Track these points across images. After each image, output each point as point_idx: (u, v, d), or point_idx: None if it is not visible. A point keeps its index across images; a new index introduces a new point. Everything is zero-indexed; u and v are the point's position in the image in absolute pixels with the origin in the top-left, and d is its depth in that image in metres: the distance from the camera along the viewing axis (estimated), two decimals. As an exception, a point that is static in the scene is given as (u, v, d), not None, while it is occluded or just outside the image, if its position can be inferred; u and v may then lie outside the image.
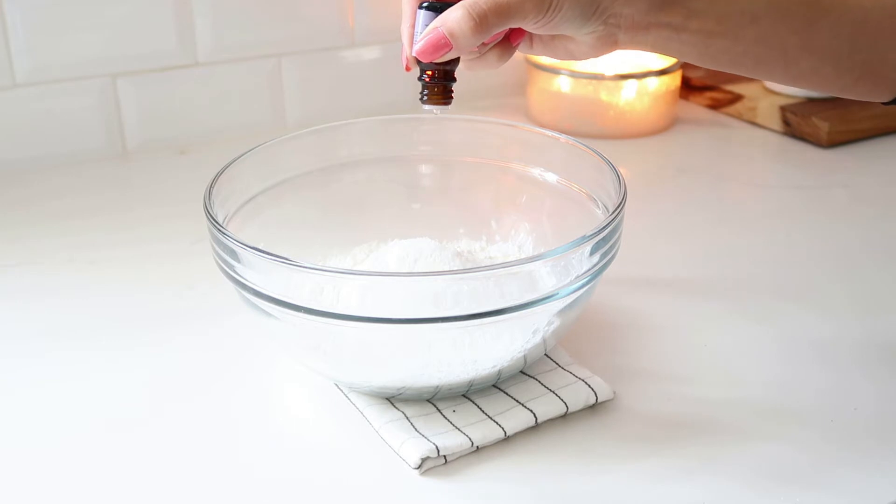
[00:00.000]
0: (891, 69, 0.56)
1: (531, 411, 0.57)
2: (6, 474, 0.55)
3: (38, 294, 0.74)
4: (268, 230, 0.66)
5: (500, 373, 0.58)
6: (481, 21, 0.51)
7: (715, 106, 1.13)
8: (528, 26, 0.53)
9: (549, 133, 0.70)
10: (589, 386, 0.59)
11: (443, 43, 0.53)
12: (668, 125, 1.07)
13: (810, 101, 1.07)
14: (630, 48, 0.55)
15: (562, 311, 0.57)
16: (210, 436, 0.57)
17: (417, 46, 0.54)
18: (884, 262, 0.78)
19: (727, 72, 0.57)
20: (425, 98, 0.57)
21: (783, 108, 1.05)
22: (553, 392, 0.59)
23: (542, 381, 0.60)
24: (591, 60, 1.09)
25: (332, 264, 0.70)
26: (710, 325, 0.69)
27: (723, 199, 0.92)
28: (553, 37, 0.56)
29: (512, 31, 0.55)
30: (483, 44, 0.55)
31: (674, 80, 1.06)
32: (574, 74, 1.04)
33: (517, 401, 0.58)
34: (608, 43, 0.54)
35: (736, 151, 1.03)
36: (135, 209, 0.89)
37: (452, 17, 0.52)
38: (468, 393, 0.59)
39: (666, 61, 1.07)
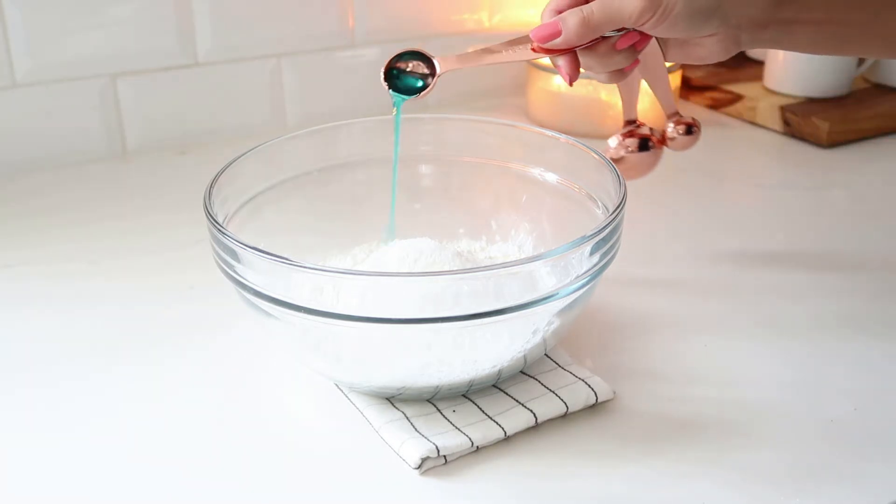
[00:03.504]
0: None
1: (531, 411, 0.57)
2: (5, 480, 0.55)
3: (37, 294, 0.74)
4: (268, 230, 0.66)
5: (500, 373, 0.58)
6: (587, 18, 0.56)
7: (715, 106, 1.13)
8: (646, 30, 0.56)
9: (549, 133, 0.70)
10: (589, 386, 0.59)
11: (555, 31, 0.57)
12: (668, 125, 1.07)
13: (810, 101, 1.07)
14: (749, 47, 0.59)
15: (562, 311, 0.57)
16: (209, 436, 0.57)
17: (534, 31, 0.58)
18: (884, 263, 0.78)
19: (830, 54, 0.62)
20: None
21: (783, 108, 1.05)
22: (553, 392, 0.59)
23: (542, 381, 0.60)
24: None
25: (332, 264, 0.70)
26: (710, 325, 0.69)
27: (723, 199, 0.92)
28: (681, 43, 0.60)
29: (641, 37, 0.59)
30: (614, 48, 0.58)
31: (674, 80, 1.06)
32: (574, 74, 1.04)
33: (517, 401, 0.58)
34: (732, 44, 0.58)
35: (736, 151, 1.03)
36: (135, 209, 0.89)
37: (568, 12, 0.57)
38: (468, 393, 0.59)
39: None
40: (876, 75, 1.14)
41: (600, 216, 0.64)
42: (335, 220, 0.73)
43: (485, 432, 0.56)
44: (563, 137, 0.69)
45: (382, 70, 0.62)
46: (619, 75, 0.60)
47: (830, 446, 0.56)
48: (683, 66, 1.09)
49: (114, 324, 0.69)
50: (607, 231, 0.56)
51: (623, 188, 0.60)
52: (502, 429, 0.56)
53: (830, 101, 1.07)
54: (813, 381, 0.62)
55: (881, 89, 1.13)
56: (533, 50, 0.59)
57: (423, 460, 0.54)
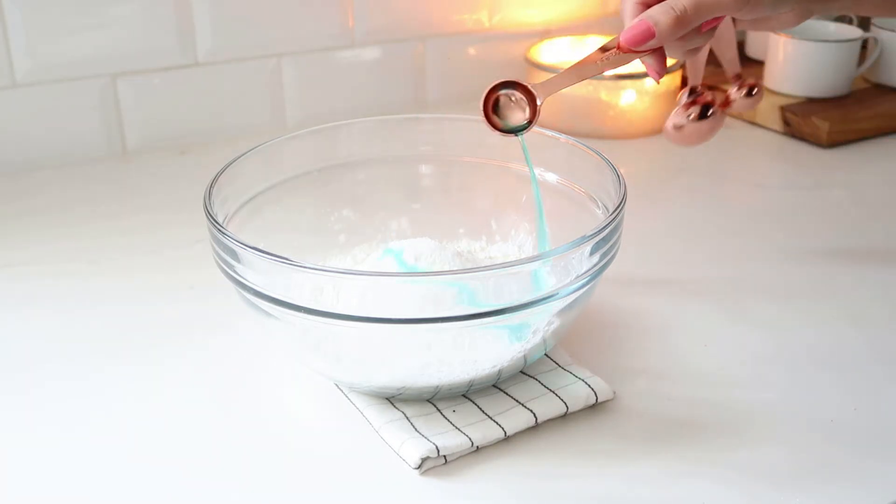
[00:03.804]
0: None
1: (531, 411, 0.57)
2: (5, 480, 0.55)
3: (37, 294, 0.74)
4: (268, 230, 0.66)
5: (500, 373, 0.58)
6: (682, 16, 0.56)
7: (715, 106, 1.13)
8: (738, 16, 0.57)
9: (549, 133, 0.70)
10: (589, 386, 0.59)
11: (649, 33, 0.56)
12: (668, 125, 1.07)
13: (810, 101, 1.07)
14: (819, 14, 0.64)
15: (562, 311, 0.57)
16: (209, 436, 0.57)
17: (624, 35, 0.57)
18: (884, 262, 0.78)
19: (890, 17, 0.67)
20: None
21: (783, 108, 1.05)
22: (553, 392, 0.59)
23: (542, 381, 0.60)
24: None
25: (332, 264, 0.70)
26: (710, 325, 0.69)
27: (723, 199, 0.92)
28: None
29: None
30: (698, 31, 0.59)
31: (673, 80, 1.06)
32: (574, 74, 1.04)
33: (517, 401, 0.58)
34: (805, 14, 0.64)
35: (736, 151, 1.03)
36: (135, 209, 0.89)
37: (656, 10, 0.56)
38: (468, 393, 0.59)
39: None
40: (876, 75, 1.14)
41: (600, 216, 0.64)
42: (335, 220, 0.73)
43: (485, 432, 0.56)
44: (563, 137, 0.69)
45: (482, 108, 0.59)
46: (694, 52, 0.61)
47: (830, 446, 0.56)
48: (684, 66, 1.09)
49: (114, 324, 0.69)
50: (607, 231, 0.56)
51: (623, 188, 0.60)
52: (502, 429, 0.56)
53: (830, 101, 1.07)
54: (813, 381, 0.62)
55: (881, 89, 1.13)
56: (620, 51, 0.57)
57: (423, 460, 0.54)
